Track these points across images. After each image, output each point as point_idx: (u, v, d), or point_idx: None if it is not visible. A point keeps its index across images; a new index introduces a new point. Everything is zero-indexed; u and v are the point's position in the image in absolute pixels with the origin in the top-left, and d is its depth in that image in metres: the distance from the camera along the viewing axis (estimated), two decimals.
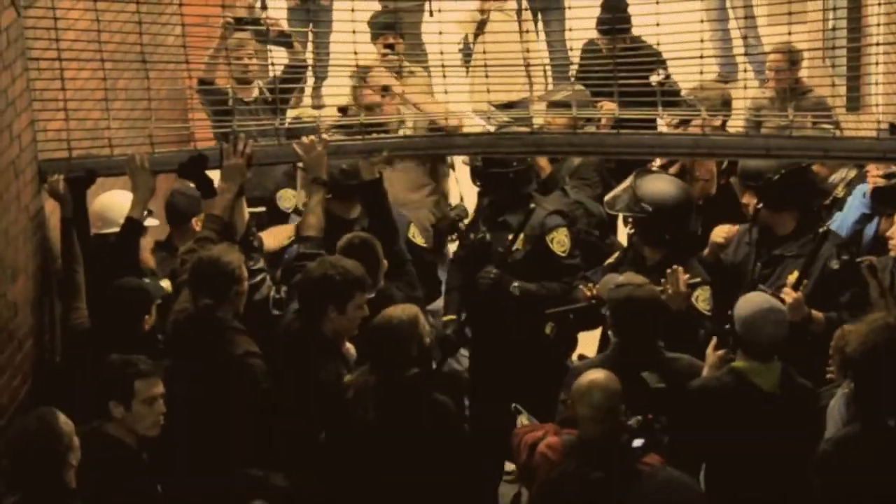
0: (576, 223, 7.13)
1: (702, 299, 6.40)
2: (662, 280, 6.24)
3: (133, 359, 5.33)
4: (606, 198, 6.81)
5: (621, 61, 6.93)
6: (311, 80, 9.27)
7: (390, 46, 8.43)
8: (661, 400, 5.67)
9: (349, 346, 6.01)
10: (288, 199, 7.58)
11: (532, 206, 7.00)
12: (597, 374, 5.45)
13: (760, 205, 6.55)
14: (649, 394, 5.67)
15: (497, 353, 7.04)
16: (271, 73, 7.86)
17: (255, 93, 7.93)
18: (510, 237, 6.99)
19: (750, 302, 5.80)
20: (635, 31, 8.09)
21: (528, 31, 9.19)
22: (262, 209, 7.58)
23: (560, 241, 6.96)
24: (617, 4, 8.50)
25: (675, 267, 6.28)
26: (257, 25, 7.71)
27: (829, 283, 6.35)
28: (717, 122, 7.20)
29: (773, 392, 5.68)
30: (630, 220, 6.65)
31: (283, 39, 7.84)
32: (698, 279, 6.40)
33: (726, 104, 7.42)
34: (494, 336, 7.04)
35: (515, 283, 6.92)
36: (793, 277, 6.27)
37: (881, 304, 5.93)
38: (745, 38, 9.86)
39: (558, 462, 5.38)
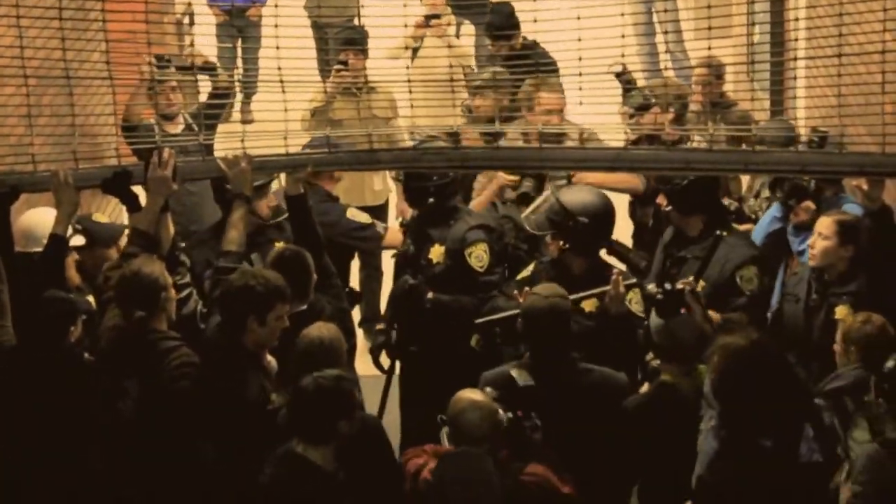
0: (503, 237, 7.13)
1: (635, 301, 6.50)
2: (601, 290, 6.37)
3: (335, 373, 5.35)
4: (525, 220, 6.86)
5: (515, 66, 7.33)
6: (239, 96, 9.44)
7: (344, 63, 8.51)
8: (530, 398, 5.64)
9: (270, 359, 6.03)
10: None
11: (453, 221, 7.04)
12: (473, 395, 5.45)
13: (670, 207, 6.70)
14: (518, 392, 5.67)
15: (424, 364, 7.05)
16: (196, 105, 8.04)
17: (181, 127, 8.03)
18: (433, 252, 7.05)
19: None
20: (559, 46, 8.23)
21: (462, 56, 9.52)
22: None
23: (478, 255, 6.95)
24: (502, 9, 8.81)
25: (616, 272, 6.38)
26: (180, 61, 7.83)
27: (727, 286, 6.55)
28: (671, 117, 7.42)
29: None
30: (559, 235, 6.66)
31: (208, 69, 7.97)
32: (632, 280, 6.53)
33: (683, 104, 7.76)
34: (419, 346, 7.07)
35: (430, 295, 6.93)
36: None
37: (706, 328, 6.04)
38: (670, 52, 9.99)
39: None
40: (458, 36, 9.70)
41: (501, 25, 8.75)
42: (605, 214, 6.62)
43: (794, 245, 7.00)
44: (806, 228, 6.96)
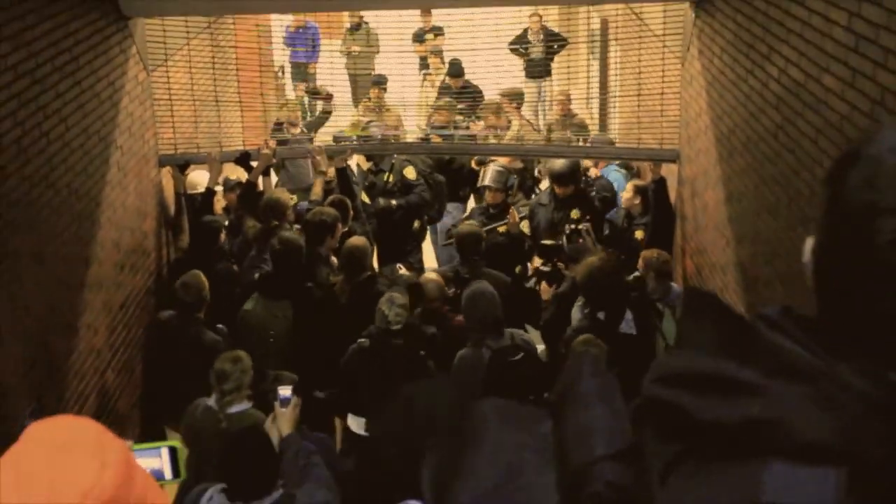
0: (418, 165, 10.51)
1: (525, 227, 9.53)
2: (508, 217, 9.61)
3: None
4: (489, 183, 10.09)
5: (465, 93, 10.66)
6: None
7: (369, 98, 11.56)
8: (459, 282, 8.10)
9: (333, 258, 8.42)
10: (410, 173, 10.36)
11: (392, 160, 10.39)
12: (432, 275, 7.99)
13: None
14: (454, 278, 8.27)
15: (392, 244, 10.29)
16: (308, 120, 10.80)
17: (299, 130, 10.68)
18: (384, 177, 10.43)
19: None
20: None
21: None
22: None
23: (409, 172, 10.39)
24: (456, 63, 12.21)
25: (511, 208, 9.59)
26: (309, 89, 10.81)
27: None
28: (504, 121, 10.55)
29: None
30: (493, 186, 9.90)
31: (323, 97, 11.02)
32: (525, 213, 9.60)
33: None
34: (389, 234, 10.27)
35: (393, 202, 10.23)
36: (575, 214, 9.19)
37: (595, 250, 8.23)
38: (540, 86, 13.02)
39: None
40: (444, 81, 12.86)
41: (457, 72, 12.15)
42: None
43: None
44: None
